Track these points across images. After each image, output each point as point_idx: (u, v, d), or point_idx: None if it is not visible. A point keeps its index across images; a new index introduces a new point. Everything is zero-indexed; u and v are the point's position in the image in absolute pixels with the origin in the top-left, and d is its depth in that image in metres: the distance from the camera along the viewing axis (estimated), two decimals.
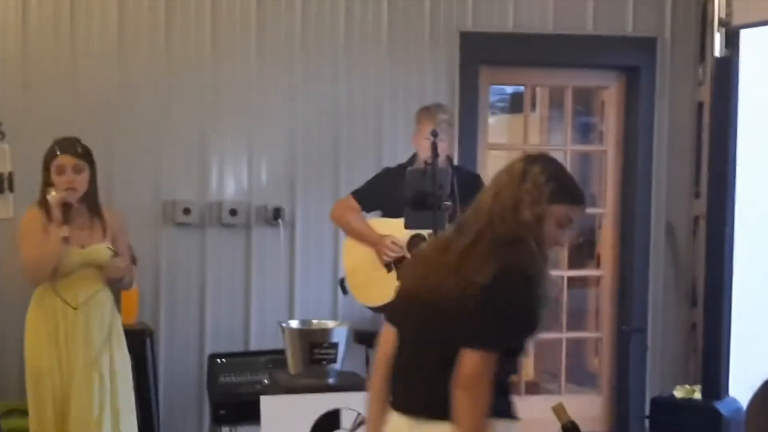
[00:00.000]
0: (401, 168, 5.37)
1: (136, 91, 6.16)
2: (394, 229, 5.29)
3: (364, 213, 5.60)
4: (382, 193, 5.38)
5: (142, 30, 6.18)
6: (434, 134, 4.81)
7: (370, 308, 5.58)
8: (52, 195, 4.76)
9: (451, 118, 5.51)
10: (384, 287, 5.32)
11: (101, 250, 4.87)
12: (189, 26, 6.23)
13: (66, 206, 4.75)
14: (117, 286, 5.08)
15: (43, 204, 4.80)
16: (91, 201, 4.90)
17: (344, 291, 5.67)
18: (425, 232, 5.03)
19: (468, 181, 5.47)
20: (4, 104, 5.97)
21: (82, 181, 4.83)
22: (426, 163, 5.00)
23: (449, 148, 5.51)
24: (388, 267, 5.39)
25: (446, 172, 4.86)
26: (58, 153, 4.82)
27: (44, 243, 4.73)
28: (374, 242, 5.41)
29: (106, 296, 4.94)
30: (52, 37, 6.07)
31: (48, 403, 4.79)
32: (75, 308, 4.78)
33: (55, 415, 4.79)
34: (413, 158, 5.46)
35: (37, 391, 4.83)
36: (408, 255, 5.28)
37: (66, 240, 4.71)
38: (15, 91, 6.01)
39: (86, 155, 4.87)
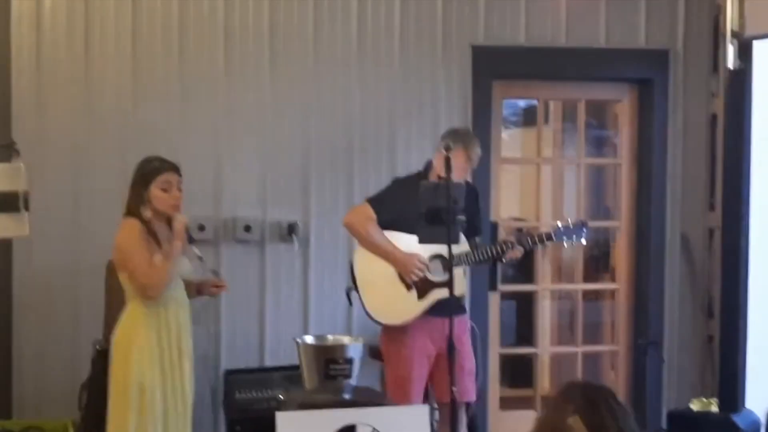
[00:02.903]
0: (411, 179, 5.34)
1: (151, 109, 6.19)
2: (409, 246, 5.24)
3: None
4: (396, 206, 5.31)
5: (156, 48, 6.21)
6: (448, 148, 4.81)
7: (387, 325, 5.52)
8: (180, 219, 4.83)
9: (480, 150, 5.42)
10: (405, 305, 5.32)
11: (184, 263, 4.96)
12: (202, 44, 6.25)
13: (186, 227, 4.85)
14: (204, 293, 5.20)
15: (138, 216, 4.83)
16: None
17: (350, 302, 5.61)
18: (445, 251, 5.00)
19: (469, 193, 5.42)
20: (19, 124, 6.00)
21: (181, 200, 4.93)
22: (439, 177, 5.00)
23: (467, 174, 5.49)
24: (408, 285, 5.34)
25: (461, 187, 4.85)
26: (165, 170, 4.87)
27: (165, 263, 4.75)
28: (399, 260, 5.30)
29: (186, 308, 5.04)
30: (66, 57, 6.11)
31: (156, 418, 4.78)
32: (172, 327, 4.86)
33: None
34: (426, 171, 5.42)
35: (147, 408, 4.78)
36: (429, 275, 5.28)
37: (200, 259, 4.88)
38: (30, 110, 6.05)
39: (181, 175, 4.97)
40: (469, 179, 5.46)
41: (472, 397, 5.51)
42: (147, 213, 4.82)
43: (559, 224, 5.37)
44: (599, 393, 2.61)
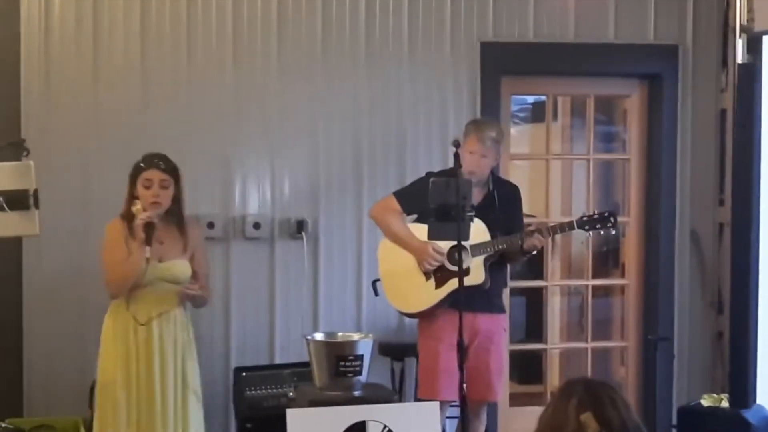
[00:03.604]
0: (444, 174, 5.33)
1: (159, 107, 6.19)
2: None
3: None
4: (424, 197, 5.31)
5: (164, 47, 6.21)
6: (456, 144, 4.80)
7: (404, 314, 5.57)
8: (137, 210, 4.84)
9: (498, 134, 5.40)
10: (422, 294, 5.34)
11: (177, 265, 4.94)
12: (210, 42, 6.25)
13: (149, 226, 4.80)
14: (194, 305, 5.20)
15: (127, 216, 4.89)
16: (176, 216, 4.99)
17: (375, 292, 5.62)
18: (466, 242, 5.02)
19: (508, 193, 5.52)
20: (28, 122, 6.01)
21: (166, 197, 4.93)
22: (452, 171, 4.98)
23: (494, 162, 5.45)
24: (427, 275, 5.36)
25: (469, 184, 4.84)
26: (146, 167, 4.91)
27: (126, 260, 4.81)
28: (416, 249, 5.34)
29: (180, 312, 5.00)
30: (75, 56, 6.11)
31: (120, 418, 4.82)
32: (143, 324, 4.85)
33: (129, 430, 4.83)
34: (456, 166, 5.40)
35: (106, 405, 4.87)
36: (448, 264, 5.27)
37: (147, 261, 4.78)
38: (39, 108, 6.05)
39: (173, 171, 4.96)
40: (489, 165, 5.41)
41: (496, 397, 5.53)
42: (138, 211, 4.85)
43: (585, 213, 5.38)
44: (601, 388, 2.63)
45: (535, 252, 5.44)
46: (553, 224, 5.49)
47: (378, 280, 5.57)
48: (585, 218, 5.35)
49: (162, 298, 4.93)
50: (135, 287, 4.87)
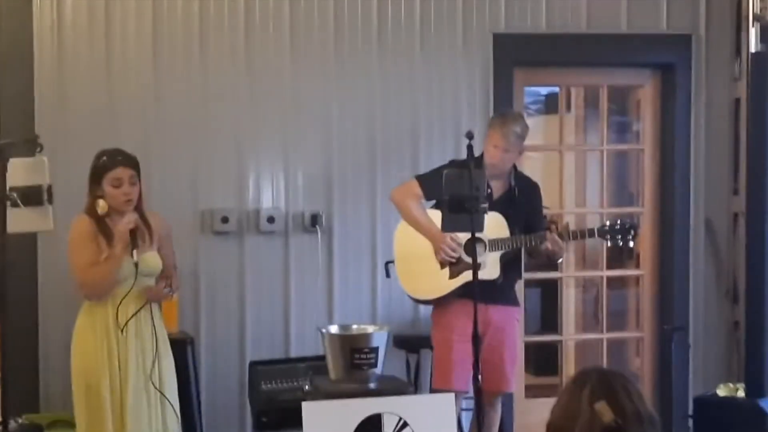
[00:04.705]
0: (466, 162, 5.31)
1: (173, 101, 6.20)
2: None
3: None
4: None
5: (177, 42, 6.22)
6: (470, 136, 4.79)
7: (414, 299, 5.57)
8: (102, 207, 4.78)
9: (523, 130, 5.39)
10: (434, 281, 5.34)
11: (151, 258, 4.90)
12: (223, 35, 6.26)
13: (132, 231, 4.75)
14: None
15: (92, 213, 4.82)
16: (139, 210, 4.92)
17: (387, 274, 5.62)
18: (483, 237, 5.01)
19: (529, 189, 5.53)
20: (41, 118, 6.02)
21: (136, 193, 4.86)
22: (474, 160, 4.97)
23: (516, 158, 5.44)
24: (442, 263, 5.35)
25: (482, 175, 4.83)
26: (115, 165, 4.82)
27: (104, 263, 4.73)
28: (434, 236, 5.32)
29: (155, 306, 4.97)
30: (87, 51, 6.12)
31: (105, 417, 4.76)
32: (122, 327, 4.79)
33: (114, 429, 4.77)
34: (482, 156, 5.39)
35: (90, 405, 4.80)
36: (464, 256, 5.26)
37: (136, 265, 4.71)
38: (52, 103, 6.07)
39: (137, 167, 4.89)
40: (512, 160, 5.41)
41: (510, 387, 5.54)
42: (102, 209, 4.80)
43: (607, 222, 5.39)
44: (615, 377, 2.63)
45: (560, 260, 5.46)
46: (573, 230, 5.48)
47: (391, 261, 5.56)
48: (606, 227, 5.36)
49: (140, 293, 4.86)
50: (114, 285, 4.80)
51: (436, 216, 5.29)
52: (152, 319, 4.90)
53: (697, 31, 6.81)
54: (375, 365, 5.23)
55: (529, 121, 5.79)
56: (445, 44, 6.50)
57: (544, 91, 8.69)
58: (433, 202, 5.45)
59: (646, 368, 7.01)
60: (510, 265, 5.40)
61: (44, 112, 6.04)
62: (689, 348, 6.73)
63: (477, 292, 4.64)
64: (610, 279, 7.16)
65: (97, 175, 4.85)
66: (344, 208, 6.39)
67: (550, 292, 7.68)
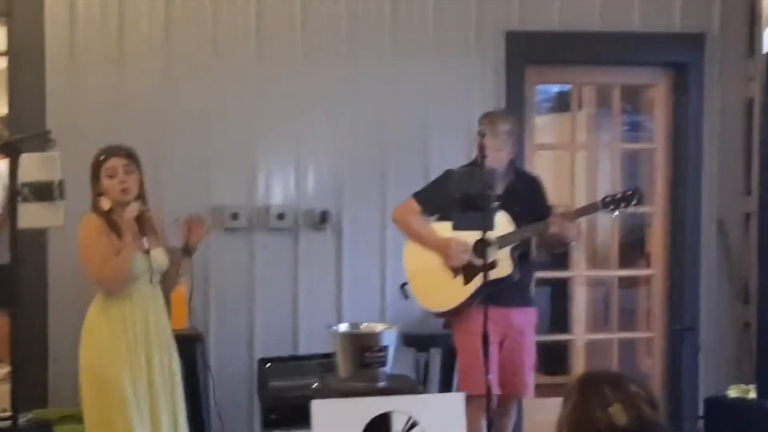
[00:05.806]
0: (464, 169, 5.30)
1: (184, 98, 6.20)
2: (455, 233, 5.20)
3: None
4: (443, 196, 5.28)
5: (189, 38, 6.22)
6: (481, 134, 4.78)
7: (437, 314, 5.53)
8: (105, 203, 4.77)
9: (513, 127, 5.36)
10: (451, 291, 5.30)
11: (160, 255, 4.89)
12: (236, 34, 6.26)
13: (140, 218, 4.75)
14: (167, 287, 5.08)
15: (98, 211, 4.81)
16: (142, 199, 4.88)
17: (405, 296, 5.52)
18: (490, 236, 4.98)
19: (529, 184, 5.49)
20: (53, 113, 6.03)
21: (133, 182, 4.82)
22: (473, 163, 4.97)
23: (510, 155, 5.39)
24: (455, 271, 5.31)
25: (493, 172, 4.81)
26: (107, 157, 4.81)
27: (118, 256, 4.71)
28: (439, 245, 5.30)
29: (162, 303, 4.96)
30: (99, 46, 6.13)
31: (127, 411, 4.69)
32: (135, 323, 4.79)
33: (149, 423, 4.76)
34: (477, 160, 5.37)
35: (106, 400, 4.72)
36: (474, 260, 5.24)
37: (147, 252, 4.73)
38: (64, 99, 6.07)
39: (133, 156, 4.85)
40: (506, 158, 5.38)
41: (528, 393, 5.50)
42: (105, 205, 4.79)
43: (606, 195, 5.30)
44: (626, 380, 2.63)
45: (573, 242, 5.38)
46: (577, 208, 5.44)
47: (406, 283, 5.50)
48: (608, 198, 5.24)
49: (154, 288, 4.86)
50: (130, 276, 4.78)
51: (440, 228, 5.29)
52: (163, 315, 4.91)
53: (711, 30, 6.78)
54: (384, 364, 5.22)
55: (542, 119, 5.77)
56: (457, 42, 6.48)
57: (556, 89, 8.66)
58: (436, 216, 5.43)
59: (656, 369, 6.98)
60: (523, 259, 5.36)
61: (56, 108, 6.05)
62: (700, 348, 6.70)
63: (490, 293, 4.62)
64: (621, 278, 7.14)
65: (95, 171, 4.85)
66: (354, 206, 6.38)
67: (560, 291, 7.66)
